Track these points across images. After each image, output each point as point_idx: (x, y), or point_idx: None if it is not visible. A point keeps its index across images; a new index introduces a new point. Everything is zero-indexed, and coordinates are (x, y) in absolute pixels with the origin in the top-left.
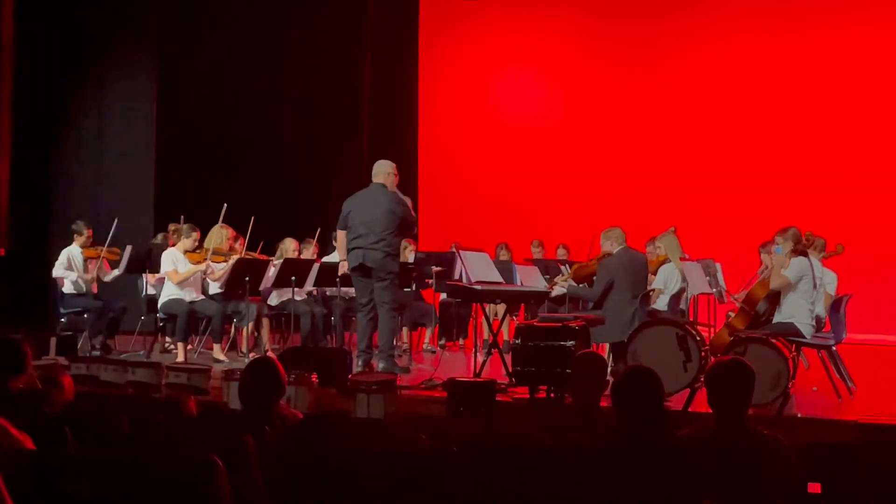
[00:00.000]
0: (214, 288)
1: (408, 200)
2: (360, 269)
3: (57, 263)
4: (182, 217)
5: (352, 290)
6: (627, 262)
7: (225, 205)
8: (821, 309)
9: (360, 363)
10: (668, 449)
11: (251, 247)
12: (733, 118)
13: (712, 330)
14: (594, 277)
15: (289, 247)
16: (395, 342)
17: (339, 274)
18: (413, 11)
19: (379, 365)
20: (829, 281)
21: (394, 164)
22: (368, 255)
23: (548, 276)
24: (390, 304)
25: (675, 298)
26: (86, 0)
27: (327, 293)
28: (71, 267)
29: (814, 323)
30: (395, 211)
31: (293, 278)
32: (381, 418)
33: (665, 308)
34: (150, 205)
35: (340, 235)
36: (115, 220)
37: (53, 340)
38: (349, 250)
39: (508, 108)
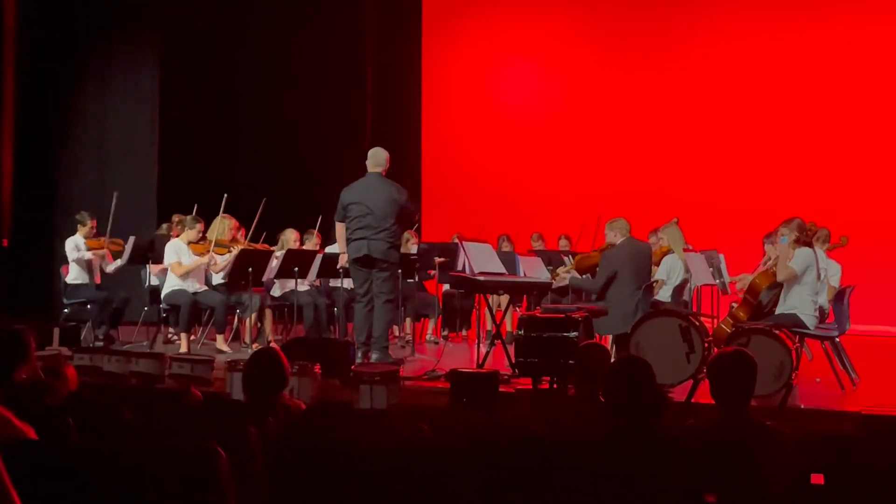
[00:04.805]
0: (217, 279)
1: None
2: (362, 259)
3: (67, 251)
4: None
5: None
6: (631, 253)
7: (225, 195)
8: (824, 300)
9: (359, 355)
10: (663, 440)
11: (253, 238)
12: (736, 110)
13: (715, 321)
14: (597, 268)
15: (290, 237)
16: (388, 334)
17: (339, 266)
18: (416, 4)
19: (372, 356)
20: (833, 272)
21: (387, 155)
22: (373, 246)
23: (550, 268)
24: (388, 296)
25: (678, 289)
26: None
27: (330, 284)
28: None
29: (817, 314)
30: (397, 200)
31: (296, 269)
32: (384, 409)
33: (668, 299)
34: (154, 196)
35: (340, 228)
36: (115, 194)
37: (56, 331)
38: (351, 241)
39: (511, 100)
